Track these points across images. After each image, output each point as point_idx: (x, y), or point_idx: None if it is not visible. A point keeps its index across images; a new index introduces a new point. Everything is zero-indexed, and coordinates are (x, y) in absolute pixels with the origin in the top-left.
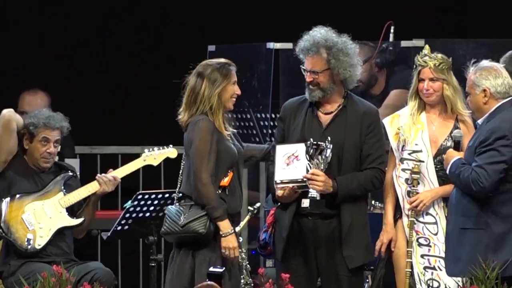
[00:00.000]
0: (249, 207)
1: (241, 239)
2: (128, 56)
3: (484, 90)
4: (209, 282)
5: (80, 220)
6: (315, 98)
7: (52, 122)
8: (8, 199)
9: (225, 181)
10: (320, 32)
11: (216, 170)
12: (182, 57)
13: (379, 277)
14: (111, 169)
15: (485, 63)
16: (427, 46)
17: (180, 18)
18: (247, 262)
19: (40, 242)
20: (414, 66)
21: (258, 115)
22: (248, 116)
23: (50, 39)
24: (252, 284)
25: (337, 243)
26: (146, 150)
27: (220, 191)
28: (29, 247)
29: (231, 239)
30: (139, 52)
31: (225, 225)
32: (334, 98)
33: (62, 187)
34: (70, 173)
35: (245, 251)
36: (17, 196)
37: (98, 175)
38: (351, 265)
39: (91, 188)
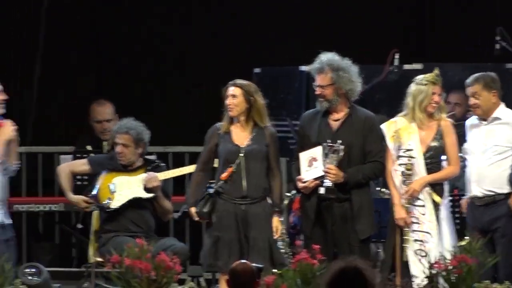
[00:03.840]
0: (287, 194)
1: (282, 218)
2: (189, 73)
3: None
4: (243, 261)
5: (151, 195)
6: (323, 107)
7: (120, 129)
8: (105, 171)
9: (223, 175)
10: (327, 56)
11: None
12: (235, 77)
13: (393, 245)
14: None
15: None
16: (437, 68)
17: (229, 42)
18: (287, 236)
19: (115, 204)
20: (424, 84)
21: (293, 122)
22: (286, 122)
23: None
24: (291, 253)
25: (349, 220)
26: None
27: (222, 182)
28: (107, 205)
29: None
30: (201, 69)
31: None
32: (341, 108)
33: (148, 168)
34: (156, 163)
35: (285, 227)
36: (111, 170)
37: (149, 173)
38: (361, 236)
39: (182, 170)
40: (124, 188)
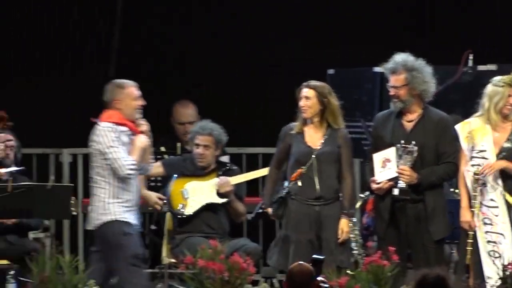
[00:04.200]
0: (360, 195)
1: (355, 219)
2: (262, 73)
3: None
4: (301, 263)
5: (224, 200)
6: (397, 108)
7: (203, 130)
8: (176, 176)
9: (292, 176)
10: (401, 56)
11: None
12: (305, 79)
13: (466, 248)
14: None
15: None
16: None
17: (303, 44)
18: (360, 237)
19: (189, 210)
20: (501, 85)
21: (367, 123)
22: (359, 124)
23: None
24: (364, 254)
25: (423, 221)
26: None
27: (292, 184)
28: (181, 211)
29: None
30: (271, 70)
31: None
32: (414, 109)
33: (220, 174)
34: (227, 167)
35: (358, 228)
36: (182, 175)
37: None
38: (436, 238)
39: (255, 173)
40: (197, 194)
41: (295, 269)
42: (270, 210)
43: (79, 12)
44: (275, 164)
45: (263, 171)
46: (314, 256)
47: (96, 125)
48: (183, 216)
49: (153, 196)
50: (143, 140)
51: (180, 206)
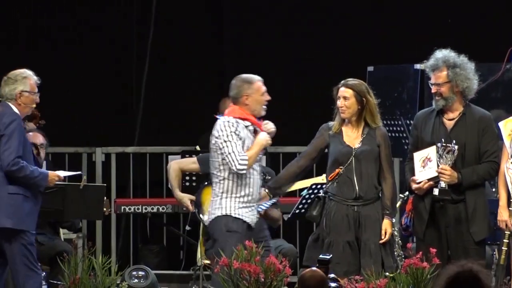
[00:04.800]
0: (400, 195)
1: (394, 220)
2: (299, 70)
3: None
4: (313, 268)
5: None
6: (439, 106)
7: None
8: (205, 183)
9: (330, 176)
10: (442, 53)
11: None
12: (344, 76)
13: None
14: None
15: None
16: None
17: (342, 40)
18: (399, 238)
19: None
20: None
21: (407, 122)
22: (399, 122)
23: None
24: (403, 256)
25: (464, 222)
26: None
27: (329, 184)
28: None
29: None
30: (309, 67)
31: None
32: (456, 107)
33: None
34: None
35: (397, 229)
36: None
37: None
38: (477, 239)
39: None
40: None
41: (306, 275)
42: (264, 190)
43: (116, 17)
44: (303, 155)
45: (304, 183)
46: (321, 256)
47: (217, 120)
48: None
49: (186, 198)
50: (265, 138)
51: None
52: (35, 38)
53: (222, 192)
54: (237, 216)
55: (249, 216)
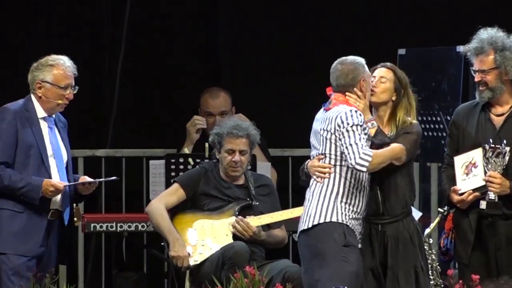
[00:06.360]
0: (439, 209)
1: (431, 240)
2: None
3: None
4: None
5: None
6: (484, 99)
7: (236, 131)
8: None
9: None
10: (487, 33)
11: None
12: (374, 61)
13: None
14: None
15: None
16: None
17: (371, 21)
18: (438, 264)
19: (197, 258)
20: None
21: (448, 118)
22: (438, 119)
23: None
24: (442, 285)
25: None
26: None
27: None
28: None
29: None
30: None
31: None
32: (505, 99)
33: (237, 213)
34: (248, 202)
35: (435, 252)
36: (192, 209)
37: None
38: None
39: (283, 214)
40: (206, 237)
41: None
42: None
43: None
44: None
45: (298, 211)
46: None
47: (324, 108)
48: (186, 267)
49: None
50: (402, 149)
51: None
52: None
53: (332, 194)
54: (352, 228)
55: (359, 234)
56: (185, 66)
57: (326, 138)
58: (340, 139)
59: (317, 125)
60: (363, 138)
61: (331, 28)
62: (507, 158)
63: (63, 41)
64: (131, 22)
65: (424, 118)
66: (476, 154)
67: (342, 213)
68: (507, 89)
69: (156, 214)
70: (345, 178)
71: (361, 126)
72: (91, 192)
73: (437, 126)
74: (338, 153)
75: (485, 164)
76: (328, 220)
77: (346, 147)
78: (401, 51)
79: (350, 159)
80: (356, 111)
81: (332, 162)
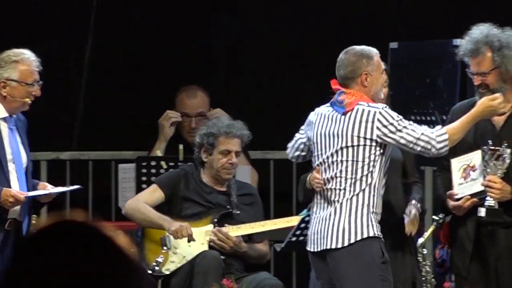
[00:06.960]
0: (434, 217)
1: (425, 251)
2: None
3: None
4: None
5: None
6: None
7: (233, 131)
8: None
9: None
10: (480, 31)
11: None
12: None
13: None
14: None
15: None
16: None
17: (360, 12)
18: (432, 276)
19: (169, 267)
20: None
21: (444, 117)
22: (433, 118)
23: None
24: None
25: None
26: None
27: None
28: (156, 268)
29: None
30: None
31: None
32: (507, 98)
33: (215, 221)
34: (228, 210)
35: (429, 263)
36: (168, 215)
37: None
38: None
39: (265, 224)
40: (180, 245)
41: None
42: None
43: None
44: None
45: (290, 220)
46: None
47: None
48: (159, 275)
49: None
50: (490, 104)
51: (156, 261)
52: None
53: (363, 205)
54: (382, 239)
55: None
56: (159, 64)
57: (359, 145)
58: (391, 142)
59: (327, 127)
60: (415, 124)
61: (314, 21)
62: (508, 161)
63: (27, 33)
64: (99, 18)
65: (418, 118)
66: (475, 157)
67: (374, 224)
68: (509, 88)
69: (138, 209)
70: (374, 186)
71: (401, 117)
72: (53, 199)
73: (432, 126)
74: (372, 157)
75: (484, 168)
76: (365, 236)
77: (417, 141)
78: (393, 45)
79: (430, 149)
80: (386, 107)
81: (365, 169)
